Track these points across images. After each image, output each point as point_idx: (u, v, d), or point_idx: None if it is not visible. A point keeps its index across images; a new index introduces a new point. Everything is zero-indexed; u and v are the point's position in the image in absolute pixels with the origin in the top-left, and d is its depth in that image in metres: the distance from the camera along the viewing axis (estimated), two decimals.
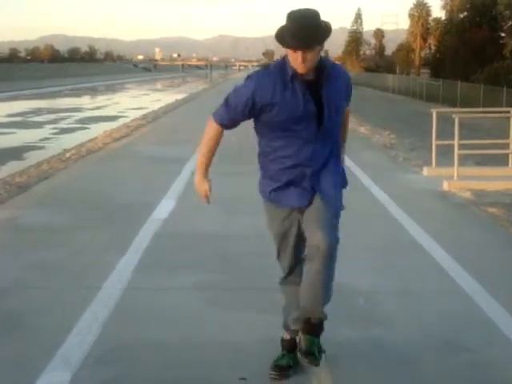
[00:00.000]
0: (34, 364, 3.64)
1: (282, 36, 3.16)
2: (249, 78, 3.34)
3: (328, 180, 3.37)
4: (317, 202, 3.34)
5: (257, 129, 3.45)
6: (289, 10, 3.17)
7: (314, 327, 3.42)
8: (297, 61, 3.15)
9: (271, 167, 3.41)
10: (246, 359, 3.71)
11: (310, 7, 3.18)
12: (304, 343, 3.38)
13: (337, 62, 3.57)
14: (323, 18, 3.17)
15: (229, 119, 3.38)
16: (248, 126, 3.60)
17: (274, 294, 3.69)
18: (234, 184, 8.51)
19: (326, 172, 3.37)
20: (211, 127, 3.43)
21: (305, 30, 3.08)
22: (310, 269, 3.29)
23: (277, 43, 3.22)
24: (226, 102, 3.37)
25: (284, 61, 3.26)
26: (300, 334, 3.44)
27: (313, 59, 3.16)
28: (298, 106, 3.23)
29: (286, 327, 3.65)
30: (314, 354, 3.36)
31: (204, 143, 3.44)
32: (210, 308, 4.53)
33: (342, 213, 3.48)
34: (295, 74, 3.21)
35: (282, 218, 3.45)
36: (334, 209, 3.37)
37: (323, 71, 3.27)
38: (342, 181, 3.51)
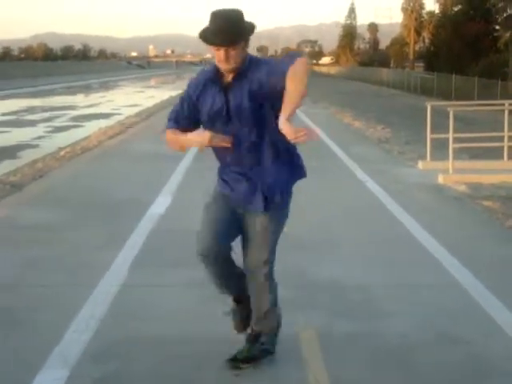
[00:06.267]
0: (31, 362, 3.64)
1: (206, 35, 3.16)
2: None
3: (272, 183, 3.37)
4: (261, 217, 3.41)
5: None
6: (213, 10, 3.19)
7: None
8: (220, 58, 3.17)
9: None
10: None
11: (234, 7, 3.24)
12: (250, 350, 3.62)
13: (259, 57, 3.42)
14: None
15: (176, 115, 3.42)
16: None
17: None
18: None
19: (267, 173, 3.36)
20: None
21: (227, 27, 3.11)
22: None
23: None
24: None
25: None
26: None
27: (235, 56, 3.16)
28: (212, 104, 3.29)
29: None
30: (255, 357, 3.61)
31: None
32: (206, 304, 4.52)
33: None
34: (218, 73, 3.26)
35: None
36: (276, 225, 3.46)
37: (244, 70, 3.21)
38: (291, 174, 3.44)
